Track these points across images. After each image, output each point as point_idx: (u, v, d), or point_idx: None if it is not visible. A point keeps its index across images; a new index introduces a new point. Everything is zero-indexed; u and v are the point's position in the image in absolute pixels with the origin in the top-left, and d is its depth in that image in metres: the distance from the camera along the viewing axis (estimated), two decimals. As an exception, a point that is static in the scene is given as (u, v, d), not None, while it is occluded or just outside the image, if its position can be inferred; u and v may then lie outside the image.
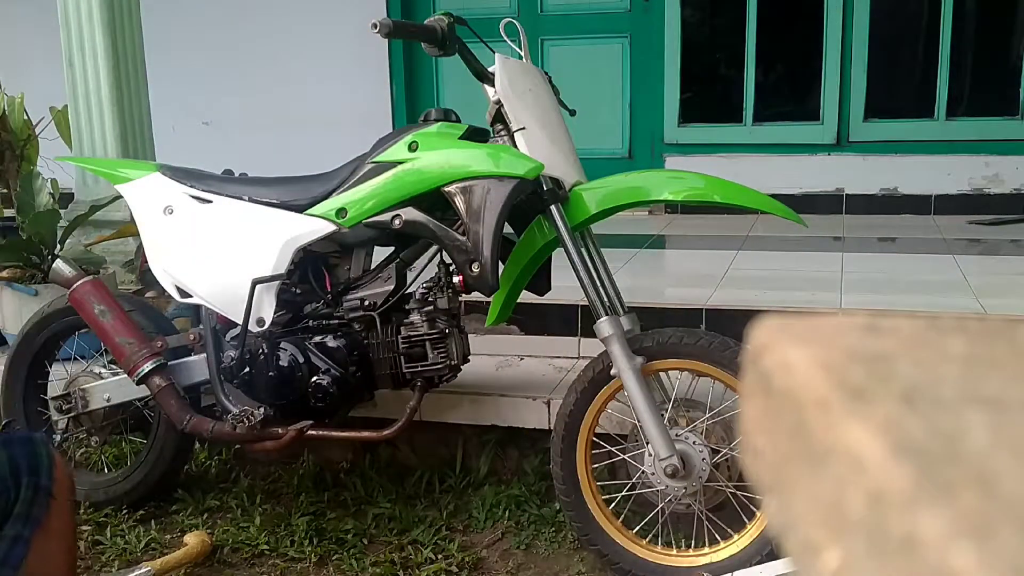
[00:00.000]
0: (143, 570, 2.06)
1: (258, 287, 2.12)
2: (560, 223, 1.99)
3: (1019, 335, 0.37)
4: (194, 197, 2.24)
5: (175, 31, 5.05)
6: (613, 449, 2.12)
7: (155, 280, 2.29)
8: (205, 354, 2.27)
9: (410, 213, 2.03)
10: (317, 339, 2.18)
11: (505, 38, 2.10)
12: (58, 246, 2.96)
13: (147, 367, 2.24)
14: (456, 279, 2.04)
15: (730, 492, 2.04)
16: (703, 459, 1.96)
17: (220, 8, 5.19)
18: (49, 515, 1.45)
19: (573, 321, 2.76)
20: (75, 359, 2.59)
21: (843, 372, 0.33)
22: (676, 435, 1.96)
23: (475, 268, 1.96)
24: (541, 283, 2.23)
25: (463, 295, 2.21)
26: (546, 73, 2.21)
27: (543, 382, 2.57)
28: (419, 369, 2.14)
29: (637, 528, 2.10)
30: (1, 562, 1.40)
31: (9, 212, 3.19)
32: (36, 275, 2.93)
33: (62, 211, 3.06)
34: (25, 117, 3.29)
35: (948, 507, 0.25)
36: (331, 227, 2.10)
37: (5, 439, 1.47)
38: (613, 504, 2.12)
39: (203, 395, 2.36)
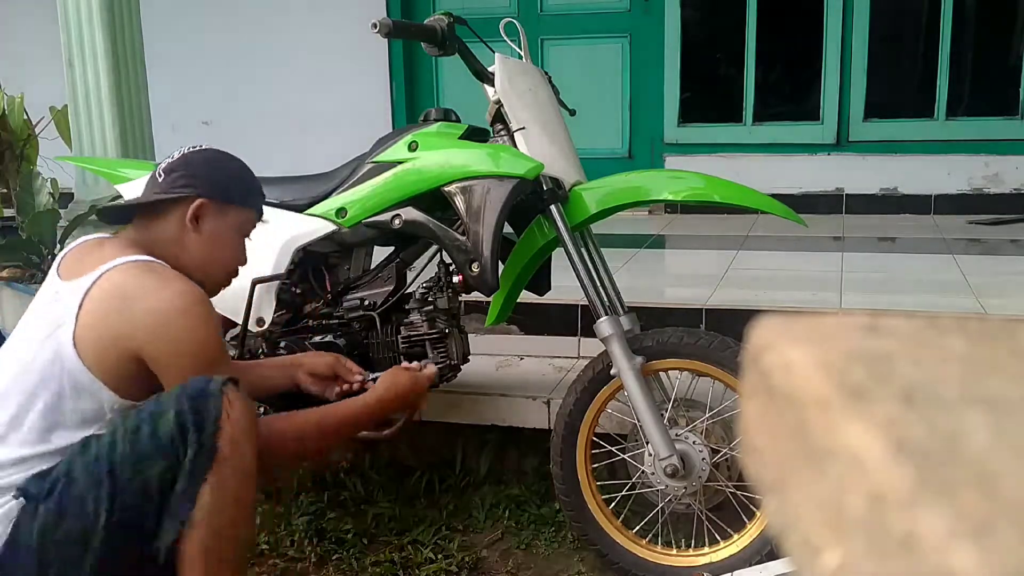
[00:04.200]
0: None
1: (258, 287, 2.12)
2: (560, 223, 1.99)
3: (1019, 335, 0.37)
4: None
5: (175, 31, 5.05)
6: (613, 449, 2.12)
7: (155, 280, 2.29)
8: (205, 354, 2.27)
9: (410, 213, 2.03)
10: (317, 339, 2.18)
11: (505, 38, 2.10)
12: (58, 246, 2.96)
13: (147, 367, 2.24)
14: (456, 279, 2.04)
15: (730, 492, 2.04)
16: (703, 459, 1.96)
17: (220, 8, 5.19)
18: (214, 470, 1.52)
19: (573, 321, 2.76)
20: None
21: (843, 372, 0.33)
22: (676, 435, 1.96)
23: (475, 268, 1.96)
24: (541, 283, 2.23)
25: (463, 295, 2.21)
26: (546, 73, 2.21)
27: (543, 382, 2.57)
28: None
29: (637, 528, 2.10)
30: (172, 514, 1.51)
31: (9, 212, 3.18)
32: (36, 275, 2.93)
33: (62, 211, 3.05)
34: (25, 117, 3.29)
35: (948, 507, 0.25)
36: (331, 227, 2.10)
37: (177, 394, 1.54)
38: (613, 504, 2.12)
39: (203, 395, 2.35)
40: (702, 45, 4.88)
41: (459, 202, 1.97)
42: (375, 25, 1.85)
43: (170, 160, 1.78)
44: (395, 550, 2.25)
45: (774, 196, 2.01)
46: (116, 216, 1.85)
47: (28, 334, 1.63)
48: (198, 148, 1.81)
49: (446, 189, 1.98)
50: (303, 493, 2.53)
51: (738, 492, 2.02)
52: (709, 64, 4.93)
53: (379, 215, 2.06)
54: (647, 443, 1.96)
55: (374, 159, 2.09)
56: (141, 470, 1.50)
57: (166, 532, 1.51)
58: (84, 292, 1.59)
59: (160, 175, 1.75)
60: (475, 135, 2.06)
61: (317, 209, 2.12)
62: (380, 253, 2.26)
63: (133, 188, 2.32)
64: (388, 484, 2.54)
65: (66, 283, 1.63)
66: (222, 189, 1.76)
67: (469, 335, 2.31)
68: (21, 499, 1.51)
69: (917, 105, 4.55)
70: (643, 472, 2.01)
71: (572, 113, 2.22)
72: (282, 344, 2.19)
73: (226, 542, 1.56)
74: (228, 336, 2.26)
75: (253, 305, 2.13)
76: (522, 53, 2.16)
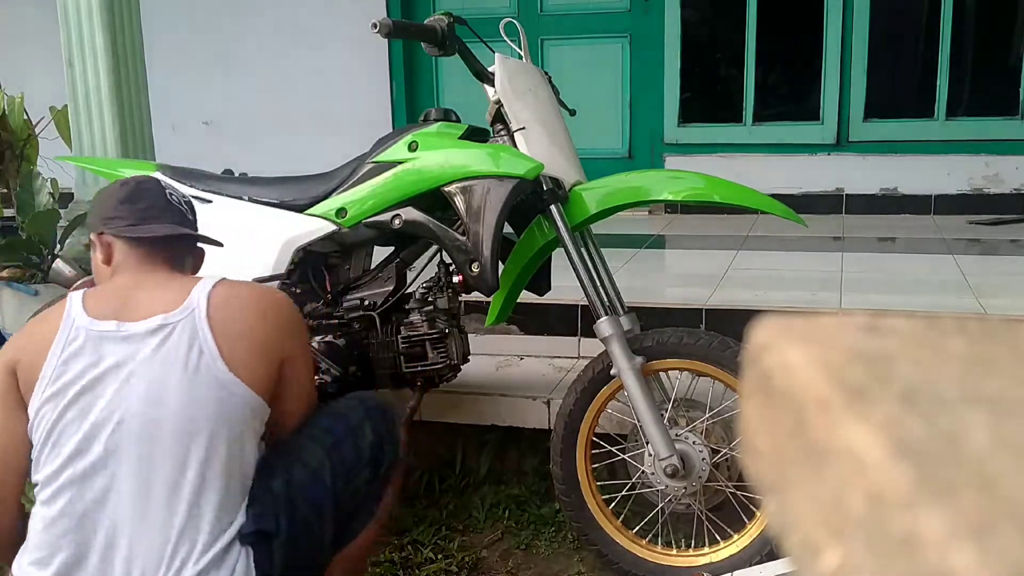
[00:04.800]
0: None
1: (258, 287, 2.12)
2: (560, 223, 1.99)
3: (1019, 335, 0.37)
4: (194, 197, 2.23)
5: (175, 31, 5.05)
6: (613, 449, 2.12)
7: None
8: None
9: (410, 213, 2.03)
10: (317, 339, 2.18)
11: (505, 38, 2.10)
12: (58, 246, 2.96)
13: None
14: (456, 279, 2.04)
15: (730, 492, 2.04)
16: (703, 459, 1.96)
17: (220, 8, 5.19)
18: (396, 472, 1.78)
19: (573, 321, 2.76)
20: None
21: (843, 372, 0.33)
22: (676, 435, 1.96)
23: (475, 268, 1.96)
24: (541, 283, 2.23)
25: (463, 295, 2.21)
26: (546, 73, 2.21)
27: (543, 382, 2.57)
28: (419, 369, 2.15)
29: (637, 528, 2.10)
30: (369, 512, 1.72)
31: (9, 212, 3.18)
32: (36, 275, 2.93)
33: (62, 211, 3.05)
34: (25, 117, 3.29)
35: (948, 507, 0.25)
36: (331, 227, 2.10)
37: (366, 407, 1.74)
38: (613, 504, 2.12)
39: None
40: (702, 45, 4.88)
41: (459, 202, 1.97)
42: (375, 25, 1.85)
43: (182, 196, 1.79)
44: (395, 550, 2.25)
45: (774, 196, 2.01)
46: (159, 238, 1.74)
47: (145, 382, 1.50)
48: None
49: (446, 189, 1.98)
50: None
51: (738, 492, 2.02)
52: (709, 64, 4.93)
53: (379, 215, 2.06)
54: (647, 443, 1.96)
55: (374, 159, 2.09)
56: (352, 481, 1.65)
57: (357, 528, 1.70)
58: (204, 322, 1.54)
59: (188, 212, 1.76)
60: (475, 135, 2.05)
61: (317, 209, 2.12)
62: (380, 253, 2.26)
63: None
64: (388, 484, 2.54)
65: (148, 320, 1.54)
66: None
67: (469, 335, 2.31)
68: (249, 547, 1.51)
69: (917, 105, 4.55)
70: (643, 472, 2.01)
71: (572, 113, 2.22)
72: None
73: (379, 532, 1.79)
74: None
75: (253, 305, 2.13)
76: (522, 53, 2.16)
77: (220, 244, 1.81)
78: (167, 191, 1.75)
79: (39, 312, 2.58)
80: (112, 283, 1.67)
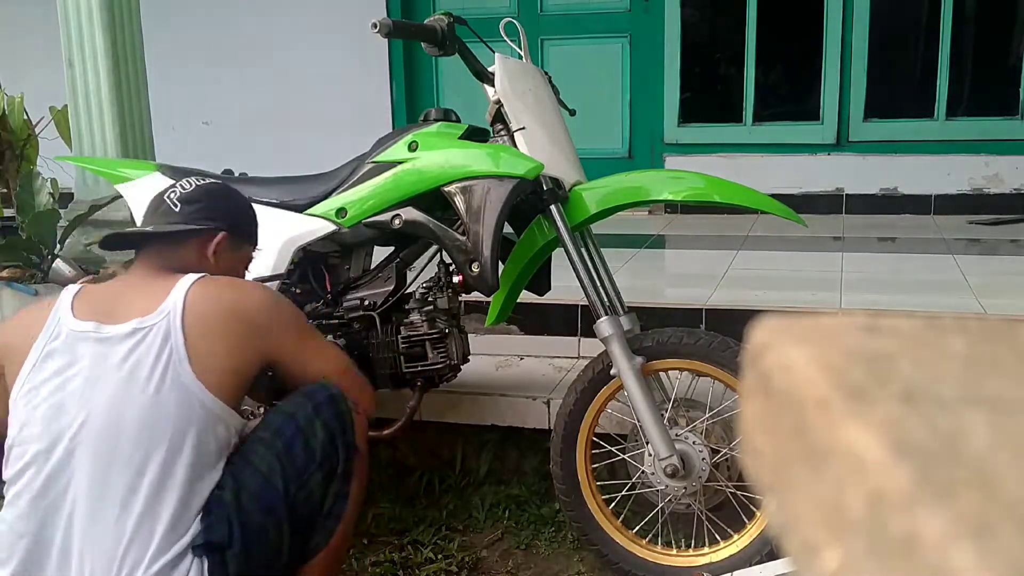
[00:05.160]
0: None
1: (258, 287, 2.12)
2: (560, 223, 1.99)
3: (1019, 335, 0.37)
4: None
5: (175, 31, 5.05)
6: (613, 449, 2.12)
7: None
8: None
9: (410, 213, 2.03)
10: (317, 339, 2.18)
11: (505, 38, 2.10)
12: (58, 246, 2.96)
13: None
14: (456, 279, 2.04)
15: (730, 492, 2.04)
16: (703, 459, 1.96)
17: (220, 8, 5.19)
18: (356, 466, 1.69)
19: (573, 321, 2.76)
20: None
21: (843, 372, 0.33)
22: (676, 435, 1.96)
23: (475, 268, 1.96)
24: (541, 283, 2.23)
25: (463, 295, 2.21)
26: (546, 73, 2.21)
27: (543, 382, 2.57)
28: (419, 369, 2.15)
29: (637, 528, 2.10)
30: (327, 514, 1.65)
31: (9, 212, 3.18)
32: (36, 275, 2.93)
33: (62, 211, 3.05)
34: (25, 117, 3.29)
35: (948, 507, 0.25)
36: (331, 227, 2.10)
37: (314, 404, 1.65)
38: (613, 504, 2.12)
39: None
40: (702, 45, 4.88)
41: (459, 202, 1.97)
42: (375, 25, 1.85)
43: (184, 191, 1.74)
44: (395, 550, 2.25)
45: (774, 196, 2.01)
46: (120, 243, 1.76)
47: (111, 386, 1.50)
48: (212, 181, 1.83)
49: (446, 189, 1.98)
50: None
51: (738, 492, 2.02)
52: (709, 64, 4.93)
53: (379, 215, 2.06)
54: (647, 443, 1.96)
55: (374, 159, 2.09)
56: (305, 483, 1.60)
57: (324, 530, 1.65)
58: (178, 324, 1.53)
59: (175, 205, 1.72)
60: (475, 135, 2.06)
61: (317, 209, 2.12)
62: (380, 253, 2.26)
63: (133, 188, 2.32)
64: (388, 484, 2.54)
65: (124, 324, 1.54)
66: (240, 226, 1.81)
67: (469, 335, 2.31)
68: (202, 556, 1.49)
69: (917, 105, 4.55)
70: (643, 472, 2.01)
71: (572, 113, 2.22)
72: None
73: (352, 526, 1.73)
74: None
75: (253, 305, 2.13)
76: (522, 53, 2.16)
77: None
78: (164, 192, 1.75)
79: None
80: (107, 284, 1.69)
